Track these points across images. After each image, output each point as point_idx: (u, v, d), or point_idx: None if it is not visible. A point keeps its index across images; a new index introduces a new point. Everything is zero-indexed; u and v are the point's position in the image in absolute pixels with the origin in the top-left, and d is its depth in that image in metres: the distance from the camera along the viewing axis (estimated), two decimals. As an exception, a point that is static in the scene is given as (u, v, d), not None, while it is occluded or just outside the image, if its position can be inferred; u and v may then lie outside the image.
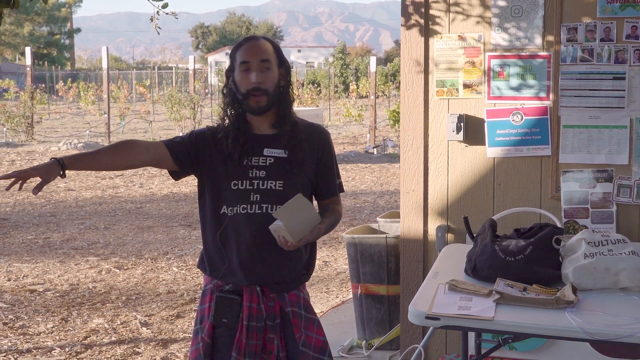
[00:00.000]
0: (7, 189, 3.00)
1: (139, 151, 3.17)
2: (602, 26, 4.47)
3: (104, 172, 15.93)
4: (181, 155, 3.22)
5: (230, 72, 3.26)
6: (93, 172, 16.10)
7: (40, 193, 13.17)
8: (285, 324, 3.25)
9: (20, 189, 2.95)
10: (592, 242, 3.23)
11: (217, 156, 3.21)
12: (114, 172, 16.04)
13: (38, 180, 2.91)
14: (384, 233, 5.84)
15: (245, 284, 3.20)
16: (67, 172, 2.99)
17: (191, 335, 6.01)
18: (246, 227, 3.18)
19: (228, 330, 3.18)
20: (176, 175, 3.30)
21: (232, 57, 3.25)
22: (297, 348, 3.24)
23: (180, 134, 3.68)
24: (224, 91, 3.28)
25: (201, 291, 3.36)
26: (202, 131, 3.31)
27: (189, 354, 3.37)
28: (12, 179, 2.90)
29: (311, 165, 3.30)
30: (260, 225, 3.16)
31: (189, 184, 14.28)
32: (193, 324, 3.33)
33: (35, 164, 18.26)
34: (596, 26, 4.48)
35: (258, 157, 3.21)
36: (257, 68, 3.17)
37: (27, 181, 2.91)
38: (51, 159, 2.98)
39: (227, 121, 3.24)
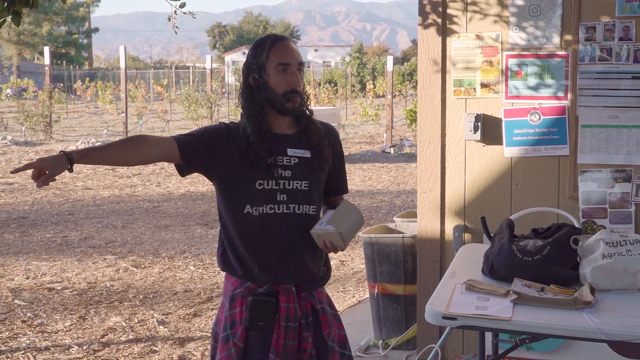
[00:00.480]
0: (39, 186, 2.97)
1: (149, 146, 3.14)
2: (621, 25, 4.45)
3: (120, 169, 16.00)
4: (189, 152, 3.17)
5: (257, 69, 3.20)
6: (111, 170, 16.17)
7: (58, 192, 13.26)
8: (314, 321, 3.27)
9: (43, 184, 2.94)
10: (610, 243, 3.21)
11: (236, 154, 3.18)
12: (131, 170, 16.14)
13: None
14: (400, 233, 5.83)
15: (282, 284, 3.19)
16: (81, 166, 2.99)
17: (208, 334, 6.04)
18: (276, 227, 3.17)
19: (259, 333, 3.16)
20: (181, 170, 3.26)
21: (261, 55, 3.19)
22: (326, 344, 3.26)
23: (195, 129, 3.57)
24: (246, 88, 3.23)
25: (224, 295, 3.29)
26: (217, 128, 3.26)
27: (213, 358, 3.32)
28: (32, 175, 2.92)
29: (330, 162, 3.32)
30: (291, 225, 3.18)
31: (207, 183, 14.30)
32: (219, 330, 3.26)
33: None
34: (615, 25, 4.46)
35: (282, 157, 3.19)
36: (296, 70, 3.19)
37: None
38: (60, 151, 2.97)
39: (252, 119, 3.20)
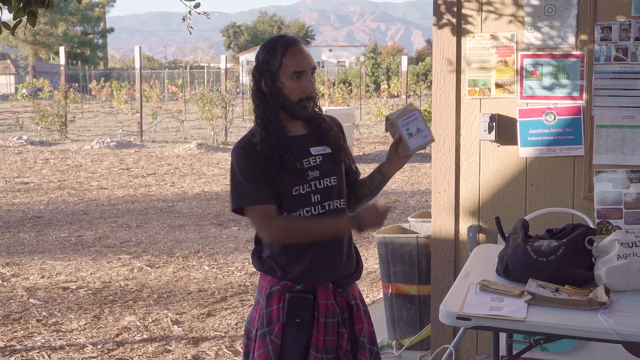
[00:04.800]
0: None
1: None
2: (637, 25, 4.42)
3: (135, 169, 16.08)
4: (274, 196, 3.17)
5: (270, 76, 3.15)
6: (125, 170, 16.26)
7: (73, 191, 13.32)
8: (348, 317, 3.29)
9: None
10: (625, 243, 3.20)
11: (270, 166, 3.15)
12: (145, 170, 16.30)
13: None
14: (415, 233, 5.82)
15: (323, 281, 3.21)
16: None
17: (222, 334, 6.05)
18: None
19: (296, 330, 3.17)
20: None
21: (273, 61, 3.14)
22: (358, 340, 3.29)
23: (241, 170, 3.37)
24: (258, 94, 3.19)
25: (259, 293, 3.29)
26: (246, 157, 3.16)
27: (246, 356, 3.33)
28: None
29: (349, 154, 3.36)
30: None
31: (220, 183, 14.33)
32: (253, 328, 3.26)
33: (68, 162, 18.33)
34: (631, 25, 4.43)
35: (308, 158, 3.19)
36: (310, 76, 3.17)
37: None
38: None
39: (268, 125, 3.16)
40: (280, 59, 3.13)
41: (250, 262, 3.40)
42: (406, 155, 3.27)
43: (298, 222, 3.16)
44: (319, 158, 3.22)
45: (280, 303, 3.19)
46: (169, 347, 5.88)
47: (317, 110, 3.27)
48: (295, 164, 3.15)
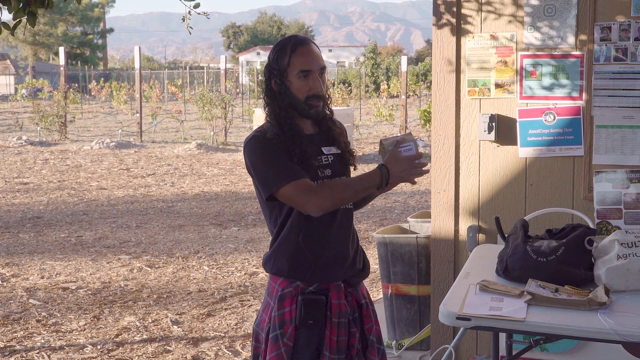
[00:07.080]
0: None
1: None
2: (637, 25, 4.42)
3: (134, 169, 16.09)
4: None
5: (278, 74, 3.18)
6: (125, 170, 16.26)
7: (72, 192, 13.31)
8: (359, 316, 3.31)
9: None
10: (625, 244, 3.20)
11: (291, 158, 3.17)
12: (145, 170, 16.32)
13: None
14: (414, 233, 5.82)
15: (333, 281, 3.22)
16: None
17: (222, 334, 6.04)
18: (327, 225, 3.20)
19: (307, 331, 3.18)
20: None
21: (282, 59, 3.17)
22: (368, 338, 3.31)
23: (267, 154, 3.32)
24: (269, 93, 3.21)
25: (269, 295, 3.28)
26: (271, 142, 3.16)
27: (255, 359, 3.33)
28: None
29: (355, 156, 3.39)
30: (339, 222, 3.22)
31: (220, 183, 14.33)
32: (262, 331, 3.25)
33: (68, 163, 18.34)
34: (630, 25, 4.44)
35: (320, 157, 3.22)
36: (318, 75, 3.18)
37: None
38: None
39: (281, 123, 3.17)
40: (288, 58, 3.16)
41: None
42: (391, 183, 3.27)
43: (332, 183, 3.16)
44: (331, 157, 3.25)
45: (292, 305, 3.19)
46: (168, 348, 5.88)
47: (327, 111, 3.28)
48: (313, 159, 3.17)
